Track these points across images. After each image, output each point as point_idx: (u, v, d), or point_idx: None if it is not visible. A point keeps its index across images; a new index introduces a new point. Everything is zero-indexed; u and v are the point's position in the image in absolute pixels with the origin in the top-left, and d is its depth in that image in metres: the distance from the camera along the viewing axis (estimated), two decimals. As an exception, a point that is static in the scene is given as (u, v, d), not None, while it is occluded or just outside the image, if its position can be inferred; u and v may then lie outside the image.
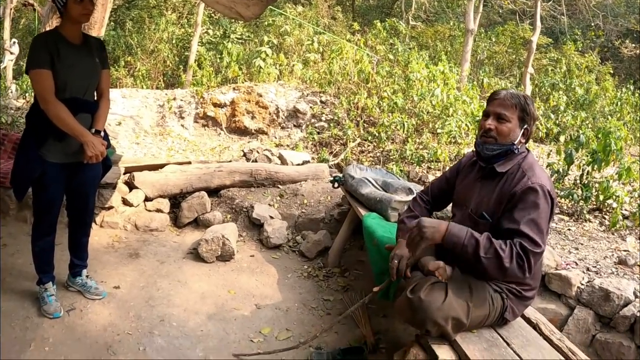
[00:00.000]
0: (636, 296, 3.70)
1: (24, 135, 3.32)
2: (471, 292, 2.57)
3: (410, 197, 4.20)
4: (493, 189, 2.64)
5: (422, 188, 4.57)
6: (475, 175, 2.86)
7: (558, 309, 3.85)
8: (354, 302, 4.07)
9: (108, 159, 3.65)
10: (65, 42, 3.23)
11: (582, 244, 4.88)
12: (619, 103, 11.80)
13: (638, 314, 3.55)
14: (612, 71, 14.74)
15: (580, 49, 15.02)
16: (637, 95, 12.47)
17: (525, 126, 2.73)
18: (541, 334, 2.82)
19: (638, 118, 11.64)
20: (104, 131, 3.49)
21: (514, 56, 15.49)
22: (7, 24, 13.55)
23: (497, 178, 2.69)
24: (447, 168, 7.67)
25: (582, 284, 3.89)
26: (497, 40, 15.76)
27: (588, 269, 4.14)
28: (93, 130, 3.35)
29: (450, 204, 3.17)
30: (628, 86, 12.68)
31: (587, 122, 10.40)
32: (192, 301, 3.98)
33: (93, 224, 4.93)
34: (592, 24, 17.14)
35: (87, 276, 3.88)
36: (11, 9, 13.76)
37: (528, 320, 2.93)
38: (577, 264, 4.21)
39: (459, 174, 3.05)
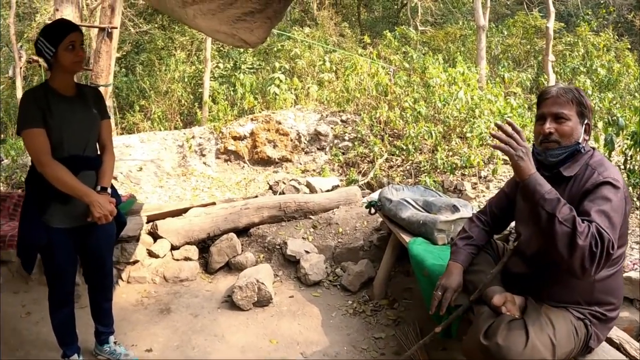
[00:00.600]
0: None
1: (25, 201, 3.06)
2: (553, 326, 2.23)
3: (456, 215, 3.89)
4: (562, 195, 2.28)
5: (465, 202, 4.27)
6: None
7: (632, 315, 3.53)
8: (408, 337, 3.77)
9: (121, 215, 3.38)
10: (57, 95, 2.97)
11: (628, 230, 4.50)
12: (644, 78, 11.55)
13: None
14: (629, 46, 14.45)
15: (593, 28, 14.73)
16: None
17: (586, 121, 2.42)
18: (627, 355, 2.52)
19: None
20: (112, 187, 3.23)
21: (528, 46, 15.26)
22: (18, 82, 13.58)
23: (564, 183, 2.37)
24: (483, 172, 7.53)
25: (655, 284, 3.56)
26: (510, 33, 15.58)
27: (657, 266, 3.81)
28: (98, 188, 3.08)
29: (513, 222, 2.83)
30: (650, 59, 12.39)
31: (615, 102, 10.13)
32: (231, 357, 3.68)
33: (120, 281, 4.76)
34: (601, 1, 16.81)
35: (115, 342, 3.60)
36: (21, 67, 13.79)
37: (610, 341, 2.61)
38: (642, 261, 3.88)
39: (519, 187, 2.72)
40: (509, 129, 2.18)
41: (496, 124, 2.24)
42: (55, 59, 2.94)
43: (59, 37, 2.90)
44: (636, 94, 11.45)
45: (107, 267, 3.43)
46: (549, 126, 2.37)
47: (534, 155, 2.44)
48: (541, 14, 15.55)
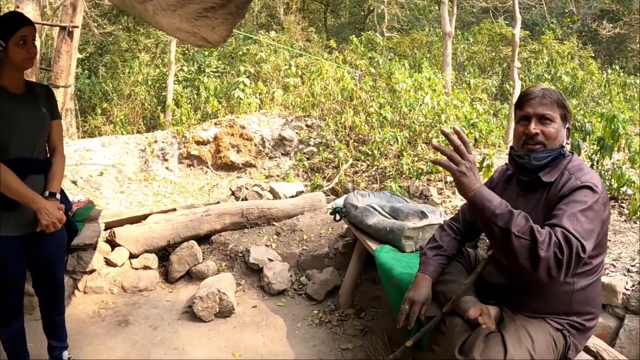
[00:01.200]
0: None
1: None
2: (532, 339, 2.12)
3: (424, 222, 3.79)
4: (538, 201, 2.23)
5: (433, 208, 4.18)
6: (515, 190, 2.44)
7: (605, 321, 3.49)
8: (376, 348, 3.66)
9: (72, 222, 3.20)
10: (4, 92, 2.78)
11: (609, 240, 4.55)
12: (606, 85, 11.82)
13: (699, 317, 3.16)
14: (593, 54, 14.76)
15: (558, 36, 14.97)
16: (622, 75, 12.47)
17: (567, 125, 2.36)
18: None
19: (627, 97, 11.64)
20: (62, 192, 3.04)
21: (493, 54, 15.41)
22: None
23: (541, 188, 2.28)
24: (449, 177, 7.47)
25: (627, 290, 3.55)
26: (475, 40, 15.74)
27: (628, 271, 3.81)
28: (47, 193, 2.89)
29: None
30: (613, 67, 12.68)
31: (579, 109, 10.28)
32: (192, 372, 3.52)
33: (76, 291, 4.56)
34: (566, 10, 17.08)
35: (69, 358, 3.38)
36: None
37: (587, 349, 2.55)
38: (614, 266, 3.87)
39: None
40: (455, 139, 2.02)
41: (441, 131, 2.09)
42: (5, 54, 2.76)
43: (10, 32, 2.73)
44: (599, 101, 11.64)
45: (57, 277, 3.23)
46: (534, 127, 2.28)
47: (514, 159, 2.37)
48: (506, 22, 15.72)
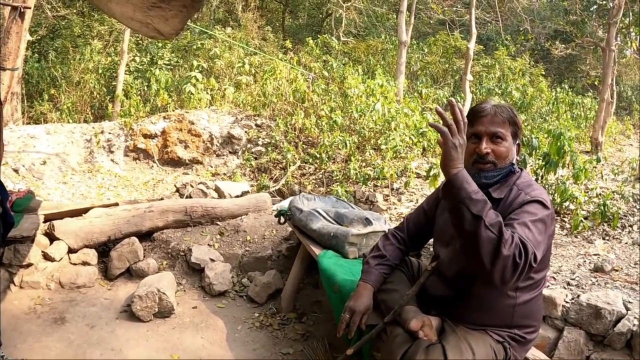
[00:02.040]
0: (627, 309, 3.42)
1: None
2: (473, 351, 2.12)
3: (369, 229, 3.78)
4: None
5: (378, 215, 4.18)
6: None
7: (545, 332, 3.56)
8: (317, 353, 3.65)
9: (8, 214, 3.07)
10: None
11: (551, 253, 4.59)
12: (555, 103, 12.13)
13: (634, 329, 3.24)
14: (544, 72, 15.11)
15: (512, 53, 15.29)
16: (570, 94, 12.84)
17: (517, 141, 2.36)
18: None
19: (574, 115, 11.98)
20: (3, 187, 2.92)
21: (447, 65, 15.62)
22: None
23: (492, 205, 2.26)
24: (395, 184, 7.54)
25: (567, 302, 3.63)
26: (430, 51, 15.91)
27: (568, 284, 3.91)
28: None
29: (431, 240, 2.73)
30: (563, 86, 13.03)
31: (527, 124, 10.51)
32: (128, 373, 3.43)
33: (11, 286, 4.37)
34: (521, 29, 17.47)
35: (2, 356, 3.26)
36: None
37: (526, 362, 2.56)
38: (555, 278, 3.95)
39: (438, 204, 2.60)
40: (457, 113, 1.95)
41: (449, 101, 2.01)
42: None
43: None
44: (547, 118, 11.93)
45: None
46: (485, 146, 2.27)
47: None
48: (462, 36, 15.98)
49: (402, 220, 2.95)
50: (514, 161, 2.32)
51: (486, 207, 1.90)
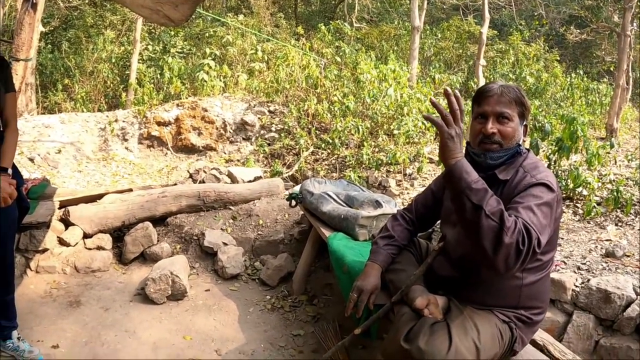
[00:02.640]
0: (637, 293, 3.43)
1: None
2: (478, 329, 2.12)
3: (379, 211, 3.79)
4: None
5: (388, 198, 4.19)
6: None
7: (554, 316, 3.57)
8: (327, 335, 3.66)
9: (24, 199, 3.10)
10: None
11: (562, 239, 4.68)
12: (569, 89, 12.01)
13: (644, 314, 3.24)
14: (559, 58, 14.95)
15: (526, 38, 15.14)
16: (585, 80, 12.71)
17: (525, 122, 2.33)
18: (551, 357, 2.49)
19: (589, 102, 11.87)
20: (14, 167, 2.95)
21: (460, 51, 15.55)
22: None
23: (495, 186, 2.24)
24: (408, 170, 7.54)
25: (576, 286, 3.62)
26: (443, 36, 15.86)
27: (579, 268, 3.90)
28: None
29: (439, 221, 2.73)
30: (578, 71, 12.90)
31: (541, 110, 10.42)
32: (142, 354, 3.46)
33: (28, 271, 4.41)
34: (535, 14, 17.31)
35: (18, 337, 3.29)
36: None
37: (533, 343, 2.58)
38: (565, 263, 3.93)
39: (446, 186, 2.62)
40: (453, 102, 1.94)
41: (444, 90, 1.98)
42: None
43: None
44: (562, 103, 11.84)
45: (8, 257, 3.12)
46: (491, 126, 2.25)
47: (470, 155, 2.32)
48: (475, 21, 15.87)
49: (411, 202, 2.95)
50: (521, 142, 2.29)
51: (487, 196, 1.89)
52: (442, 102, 2.02)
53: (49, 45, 15.18)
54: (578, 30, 15.83)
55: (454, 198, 1.95)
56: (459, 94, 1.99)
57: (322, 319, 4.00)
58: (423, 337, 2.05)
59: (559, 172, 5.81)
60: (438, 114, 1.97)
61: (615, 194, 5.24)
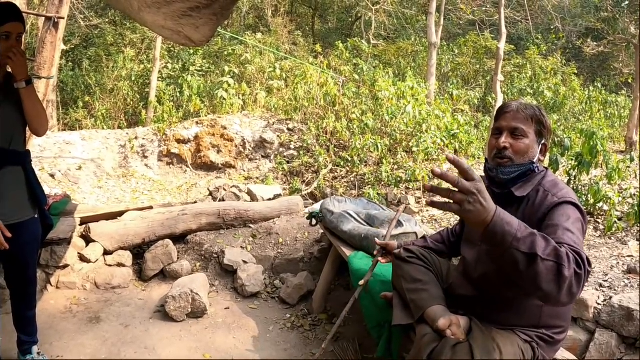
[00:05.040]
0: None
1: None
2: (500, 350, 2.11)
3: (399, 230, 3.78)
4: (514, 216, 1.89)
5: (409, 217, 4.19)
6: None
7: (576, 334, 3.52)
8: (347, 354, 3.65)
9: (48, 217, 3.14)
10: None
11: None
12: (588, 102, 11.94)
13: (667, 332, 3.19)
14: (576, 71, 14.88)
15: (543, 52, 15.11)
16: (604, 93, 12.63)
17: (543, 141, 2.32)
18: None
19: (608, 115, 11.79)
20: (39, 185, 3.00)
21: (478, 66, 15.51)
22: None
23: (515, 204, 2.24)
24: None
25: (599, 304, 3.57)
26: (460, 52, 15.83)
27: (601, 285, 3.84)
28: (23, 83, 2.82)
29: None
30: (596, 84, 12.83)
31: (560, 124, 10.37)
32: (161, 372, 3.49)
33: (48, 286, 4.46)
34: (552, 27, 17.26)
35: (38, 353, 3.33)
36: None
37: (555, 363, 2.53)
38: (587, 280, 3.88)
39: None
40: (450, 174, 1.62)
41: (432, 171, 1.66)
42: None
43: None
44: (580, 117, 11.77)
45: (30, 273, 3.17)
46: (504, 140, 2.27)
47: (486, 171, 2.34)
48: (492, 36, 15.86)
49: (433, 221, 2.99)
50: (535, 160, 2.29)
51: (536, 240, 1.73)
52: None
53: (70, 63, 15.40)
54: (595, 43, 15.76)
55: (501, 256, 1.76)
56: (449, 156, 1.74)
57: (342, 338, 3.98)
58: (445, 358, 2.04)
59: (579, 187, 5.76)
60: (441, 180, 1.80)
61: (636, 208, 5.18)
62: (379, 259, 2.97)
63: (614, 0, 14.87)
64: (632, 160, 6.28)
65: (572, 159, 5.86)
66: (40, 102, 3.01)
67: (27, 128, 2.98)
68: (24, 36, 2.85)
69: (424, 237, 2.91)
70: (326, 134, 9.38)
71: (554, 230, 1.99)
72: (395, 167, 8.26)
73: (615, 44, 15.54)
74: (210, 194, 7.50)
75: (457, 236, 2.78)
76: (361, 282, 2.57)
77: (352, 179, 8.50)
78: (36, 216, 3.05)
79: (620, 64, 16.51)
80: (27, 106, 2.86)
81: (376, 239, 2.98)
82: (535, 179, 2.26)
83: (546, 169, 2.33)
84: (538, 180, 2.26)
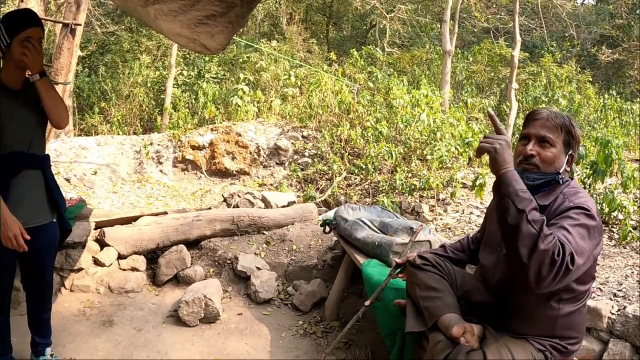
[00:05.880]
0: None
1: None
2: (513, 358, 2.12)
3: (413, 238, 3.78)
4: None
5: (423, 225, 4.19)
6: None
7: (589, 344, 3.47)
8: (359, 361, 3.65)
9: (66, 221, 3.18)
10: (4, 88, 2.80)
11: (598, 264, 4.52)
12: (603, 110, 11.86)
13: (682, 342, 3.16)
14: (591, 79, 14.79)
15: (557, 60, 15.04)
16: (619, 100, 12.54)
17: (570, 151, 2.32)
18: None
19: (623, 122, 11.70)
20: (58, 189, 3.04)
21: (492, 74, 15.45)
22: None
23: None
24: (441, 195, 7.51)
25: (612, 314, 3.52)
26: (475, 60, 15.77)
27: (615, 295, 3.80)
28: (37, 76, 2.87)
29: None
30: (611, 92, 12.74)
31: (575, 132, 10.29)
32: (174, 376, 3.51)
33: (62, 289, 4.53)
34: (566, 34, 17.20)
35: (52, 354, 3.38)
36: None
37: (568, 373, 2.52)
38: (601, 290, 3.86)
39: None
40: (497, 120, 2.16)
41: (487, 112, 2.21)
42: (8, 50, 2.77)
43: (16, 29, 2.74)
44: (595, 125, 11.69)
45: (46, 276, 3.21)
46: (531, 148, 2.28)
47: None
48: (506, 43, 15.81)
49: (447, 230, 3.00)
50: (561, 170, 2.29)
51: (531, 205, 1.94)
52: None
53: (86, 69, 15.56)
54: (610, 50, 15.68)
55: (500, 203, 2.02)
56: (489, 112, 2.12)
57: (354, 345, 3.98)
58: None
59: (594, 195, 5.72)
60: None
61: (652, 217, 5.17)
62: (399, 276, 2.98)
63: (628, 7, 14.78)
64: (647, 168, 6.22)
65: (586, 168, 5.82)
66: (58, 94, 3.06)
67: (47, 129, 3.04)
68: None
69: (443, 246, 2.90)
70: (340, 142, 9.38)
71: (551, 227, 2.02)
72: (410, 175, 8.23)
73: (630, 51, 15.45)
74: (225, 200, 7.52)
75: (477, 242, 2.78)
76: (367, 303, 2.58)
77: (366, 186, 8.48)
78: (54, 220, 3.09)
79: (636, 72, 16.40)
80: (45, 98, 2.90)
81: (395, 259, 3.00)
82: (558, 189, 2.27)
83: (571, 178, 2.34)
84: (560, 189, 2.27)
